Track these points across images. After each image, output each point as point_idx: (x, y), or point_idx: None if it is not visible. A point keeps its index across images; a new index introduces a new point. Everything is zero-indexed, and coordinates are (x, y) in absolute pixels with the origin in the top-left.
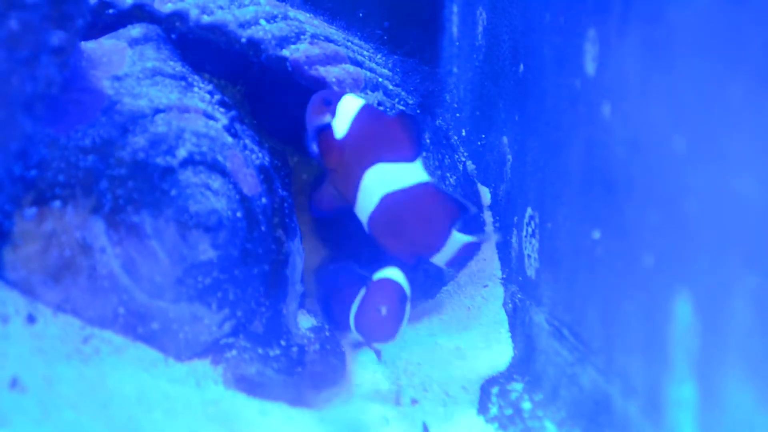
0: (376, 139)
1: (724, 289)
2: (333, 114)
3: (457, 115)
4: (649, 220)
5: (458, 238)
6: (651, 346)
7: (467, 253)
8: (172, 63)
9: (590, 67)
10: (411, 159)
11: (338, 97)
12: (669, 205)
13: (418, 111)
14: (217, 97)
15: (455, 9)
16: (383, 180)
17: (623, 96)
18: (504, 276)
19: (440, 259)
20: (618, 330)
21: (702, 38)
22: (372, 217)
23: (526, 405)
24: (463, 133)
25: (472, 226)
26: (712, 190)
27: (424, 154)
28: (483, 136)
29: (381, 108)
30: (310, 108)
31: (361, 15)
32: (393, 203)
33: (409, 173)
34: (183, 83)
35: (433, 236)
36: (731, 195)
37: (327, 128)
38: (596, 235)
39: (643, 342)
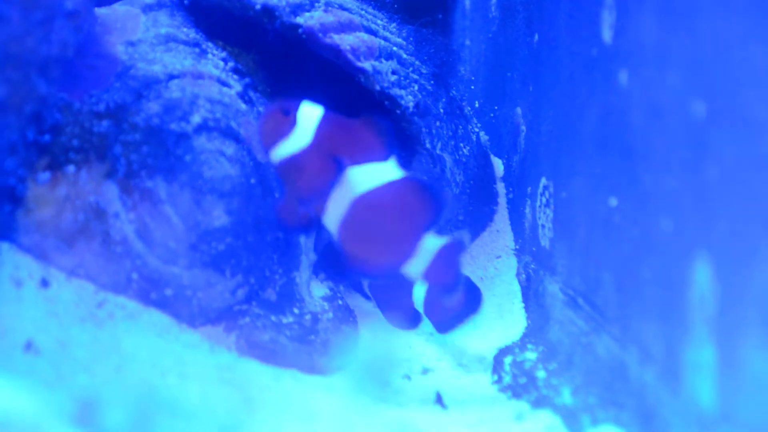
0: (344, 142)
1: (745, 252)
2: (293, 123)
3: (472, 87)
4: (668, 185)
5: (431, 243)
6: (668, 312)
7: (449, 260)
8: (185, 29)
9: (607, 34)
10: (383, 158)
11: (296, 106)
12: (689, 170)
13: (433, 81)
14: (230, 64)
15: None
16: (353, 183)
17: (641, 62)
18: (517, 247)
19: (415, 269)
20: (634, 297)
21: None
22: (342, 225)
23: (541, 374)
24: (477, 105)
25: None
26: (733, 154)
27: (394, 156)
28: (496, 107)
29: (395, 77)
30: (264, 122)
31: None
32: (364, 206)
33: (382, 172)
34: (197, 50)
35: (401, 242)
36: (753, 159)
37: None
38: (613, 202)
39: (660, 308)
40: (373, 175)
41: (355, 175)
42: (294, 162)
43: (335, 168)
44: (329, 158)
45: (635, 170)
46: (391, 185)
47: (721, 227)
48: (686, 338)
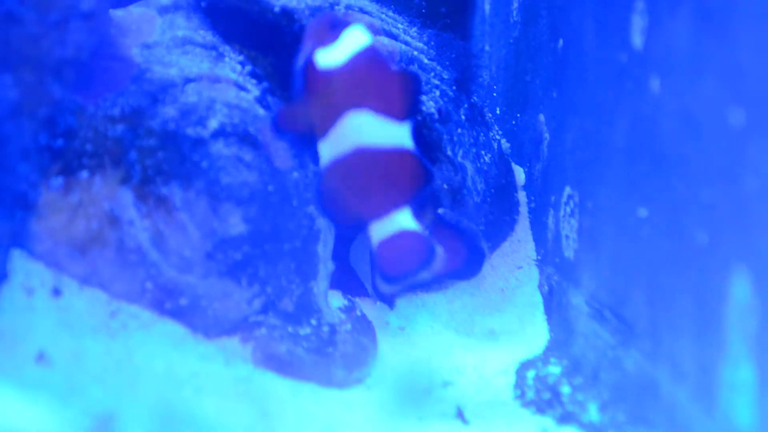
0: (371, 83)
1: None
2: (334, 39)
3: (494, 94)
4: (704, 196)
5: (398, 220)
6: (704, 328)
7: (407, 247)
8: (202, 32)
9: (638, 40)
10: (401, 119)
11: (347, 25)
12: (726, 181)
13: (454, 87)
14: (248, 68)
15: None
16: (364, 129)
17: (674, 69)
18: (539, 257)
19: (375, 234)
20: (666, 311)
21: (764, 3)
22: (334, 163)
23: (565, 389)
24: (498, 112)
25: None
26: None
27: (413, 119)
28: (518, 114)
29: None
30: (313, 26)
31: None
32: (362, 159)
33: (393, 133)
34: (214, 53)
35: (377, 203)
36: None
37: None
38: (643, 213)
39: (694, 323)
40: (386, 134)
41: (370, 124)
42: (315, 75)
43: (350, 103)
44: (350, 90)
45: (667, 180)
46: (396, 151)
47: (760, 240)
48: (722, 355)
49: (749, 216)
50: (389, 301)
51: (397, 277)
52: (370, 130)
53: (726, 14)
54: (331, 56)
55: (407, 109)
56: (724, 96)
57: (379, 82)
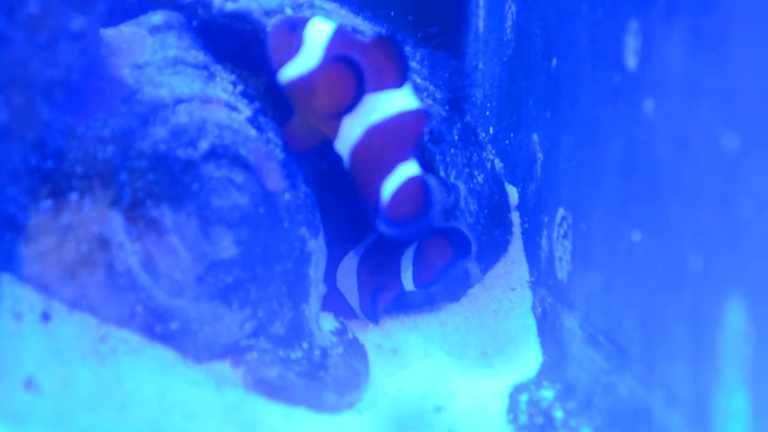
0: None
1: None
2: (300, 43)
3: (487, 113)
4: (698, 220)
5: (403, 170)
6: (698, 354)
7: (418, 200)
8: (194, 52)
9: (631, 61)
10: (398, 85)
11: (304, 22)
12: (720, 206)
13: (447, 107)
14: (240, 87)
15: (481, 2)
16: (368, 111)
17: (668, 91)
18: (532, 279)
19: (386, 191)
20: (660, 336)
21: (759, 28)
22: (354, 152)
23: (558, 413)
24: (491, 131)
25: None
26: None
27: (411, 79)
28: (511, 133)
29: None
30: (272, 39)
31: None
32: (378, 134)
33: (396, 100)
34: (205, 73)
35: (383, 164)
36: None
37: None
38: (636, 236)
39: (688, 349)
40: (390, 103)
41: (371, 102)
42: (303, 84)
43: (350, 91)
44: (343, 79)
45: (661, 203)
46: (405, 115)
47: (755, 266)
48: (717, 382)
49: (744, 242)
50: (374, 317)
51: (407, 219)
52: (375, 106)
53: (720, 37)
54: (304, 63)
55: (399, 72)
56: (718, 119)
57: (361, 62)
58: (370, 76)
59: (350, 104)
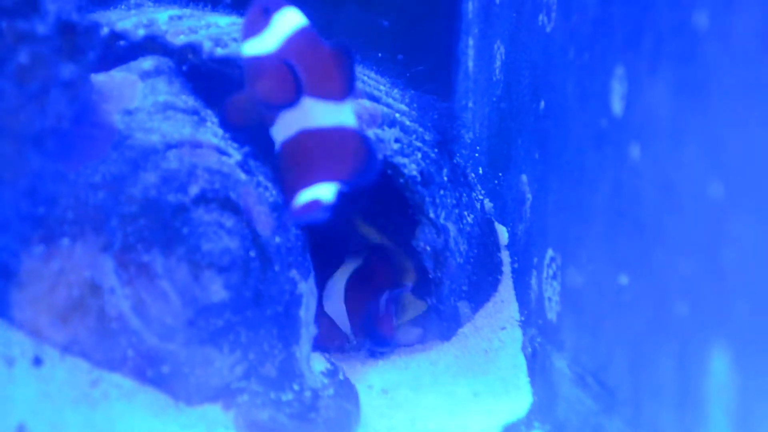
0: (306, 67)
1: (766, 344)
2: (266, 24)
3: (476, 154)
4: (683, 267)
5: (317, 191)
6: (684, 400)
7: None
8: (184, 97)
9: (617, 106)
10: (340, 98)
11: (278, 7)
12: (705, 253)
13: (436, 149)
14: None
15: (471, 42)
16: (305, 114)
17: (654, 137)
18: (522, 319)
19: (298, 200)
20: (648, 380)
21: (742, 78)
22: (283, 147)
23: None
24: (480, 171)
25: None
26: (753, 239)
27: (354, 96)
28: (500, 174)
29: (398, 145)
30: (248, 13)
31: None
32: (308, 140)
33: (335, 114)
34: (195, 118)
35: (305, 173)
36: None
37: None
38: (623, 280)
39: (676, 394)
40: (329, 114)
41: (313, 107)
42: (254, 64)
43: (288, 92)
44: (284, 77)
45: (647, 248)
46: (340, 131)
47: (740, 315)
48: (704, 428)
49: (728, 290)
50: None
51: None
52: (316, 113)
53: (705, 84)
54: (262, 45)
55: (345, 87)
56: (703, 167)
57: (312, 65)
58: (316, 82)
59: (286, 103)
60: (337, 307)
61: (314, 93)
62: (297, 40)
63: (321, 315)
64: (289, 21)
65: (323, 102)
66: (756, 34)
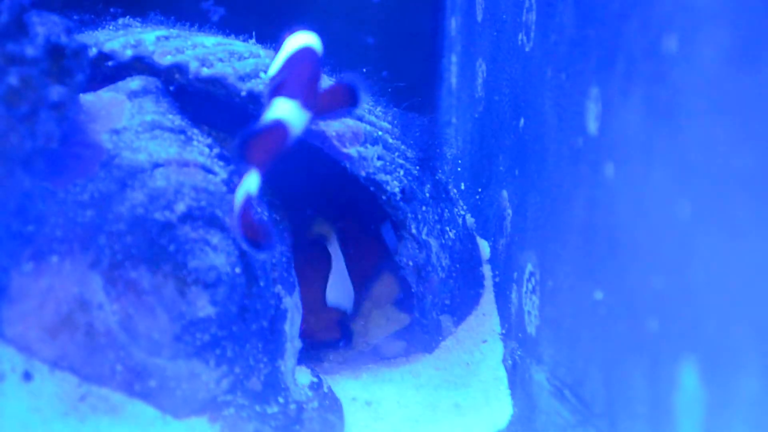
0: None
1: (731, 358)
2: (279, 47)
3: (458, 169)
4: (654, 283)
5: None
6: (656, 413)
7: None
8: (171, 116)
9: (592, 125)
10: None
11: (295, 32)
12: (674, 270)
13: (418, 166)
14: (216, 150)
15: (454, 59)
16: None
17: (626, 157)
18: (503, 332)
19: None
20: (622, 394)
21: (708, 101)
22: None
23: None
24: (462, 187)
25: None
26: (719, 258)
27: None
28: (481, 189)
29: (380, 162)
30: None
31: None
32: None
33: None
34: (182, 137)
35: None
36: (738, 264)
37: None
38: (598, 295)
39: (648, 407)
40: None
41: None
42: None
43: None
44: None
45: (621, 265)
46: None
47: (707, 331)
48: None
49: (697, 307)
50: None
51: None
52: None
53: (674, 106)
54: (271, 66)
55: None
56: (672, 186)
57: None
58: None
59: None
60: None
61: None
62: (291, 62)
63: (313, 308)
64: (292, 44)
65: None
66: (721, 59)
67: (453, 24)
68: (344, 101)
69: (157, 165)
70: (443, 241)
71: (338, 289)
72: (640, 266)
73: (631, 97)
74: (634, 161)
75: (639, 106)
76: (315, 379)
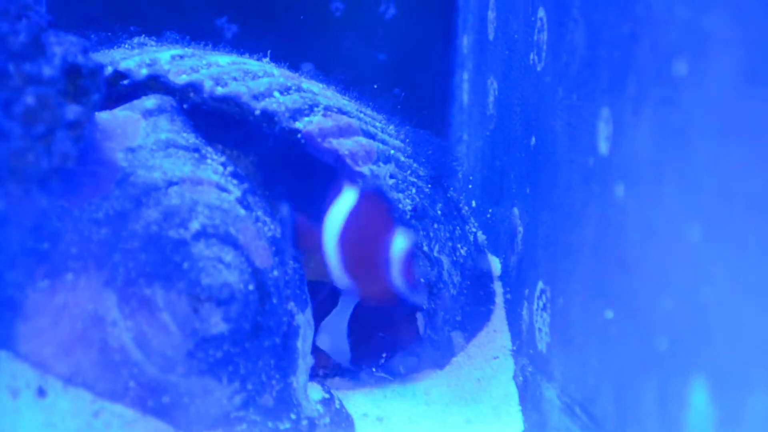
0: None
1: (741, 378)
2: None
3: (470, 186)
4: (664, 304)
5: None
6: (666, 431)
7: None
8: (185, 134)
9: (603, 146)
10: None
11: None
12: (685, 291)
13: (430, 184)
14: (230, 168)
15: (465, 76)
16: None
17: (637, 178)
18: (514, 348)
19: None
20: (632, 411)
21: (719, 123)
22: None
23: None
24: (473, 204)
25: None
26: (729, 279)
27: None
28: (493, 206)
29: (393, 180)
30: None
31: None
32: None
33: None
34: (196, 155)
35: None
36: (749, 286)
37: None
38: (609, 314)
39: (657, 426)
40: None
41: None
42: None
43: None
44: None
45: (631, 285)
46: None
47: (717, 351)
48: None
49: (706, 327)
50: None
51: None
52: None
53: (684, 128)
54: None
55: None
56: (682, 208)
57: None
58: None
59: None
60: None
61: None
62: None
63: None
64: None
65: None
66: (732, 82)
67: (465, 42)
68: None
69: (171, 183)
70: (455, 258)
71: (332, 337)
72: (650, 286)
73: (642, 118)
74: (645, 181)
75: (650, 127)
76: (326, 395)
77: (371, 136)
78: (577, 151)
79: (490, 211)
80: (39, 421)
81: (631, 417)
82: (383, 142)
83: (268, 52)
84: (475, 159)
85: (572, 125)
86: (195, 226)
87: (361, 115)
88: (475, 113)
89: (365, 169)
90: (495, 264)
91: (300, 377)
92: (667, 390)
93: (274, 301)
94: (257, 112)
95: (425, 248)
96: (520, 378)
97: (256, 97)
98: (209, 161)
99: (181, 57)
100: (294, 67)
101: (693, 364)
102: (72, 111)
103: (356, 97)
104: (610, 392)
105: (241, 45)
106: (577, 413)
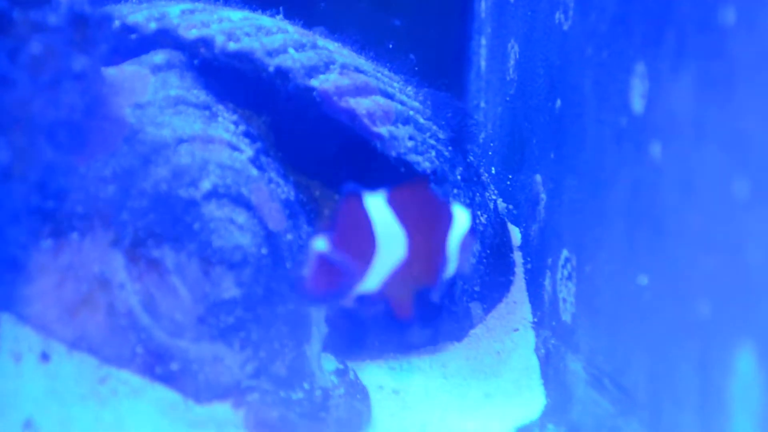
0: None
1: None
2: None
3: (489, 153)
4: (706, 266)
5: None
6: (707, 401)
7: None
8: (195, 91)
9: (638, 104)
10: None
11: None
12: (729, 252)
13: (450, 147)
14: (242, 127)
15: (483, 42)
16: None
17: (676, 135)
18: (535, 320)
19: None
20: (668, 382)
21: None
22: None
23: None
24: (493, 171)
25: None
26: None
27: None
28: (514, 174)
29: (412, 142)
30: None
31: (390, 46)
32: None
33: None
34: (207, 113)
35: None
36: None
37: None
38: (643, 280)
39: (697, 396)
40: None
41: None
42: None
43: None
44: None
45: (668, 248)
46: None
47: (766, 315)
48: (726, 430)
49: (753, 289)
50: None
51: None
52: None
53: (730, 81)
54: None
55: None
56: (727, 165)
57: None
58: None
59: None
60: None
61: None
62: None
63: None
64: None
65: None
66: None
67: (483, 6)
68: None
69: (181, 141)
70: (474, 226)
71: None
72: (690, 248)
73: (683, 73)
74: (684, 139)
75: (691, 82)
76: (341, 366)
77: (390, 96)
78: (608, 111)
79: (510, 177)
80: (42, 387)
81: (667, 388)
82: (402, 102)
83: (281, 9)
84: (493, 126)
85: (602, 84)
86: (206, 185)
87: (379, 75)
88: (493, 79)
89: (383, 130)
90: (514, 233)
91: (314, 346)
92: (708, 358)
93: (288, 265)
94: (271, 69)
95: None
96: (542, 350)
97: (269, 54)
98: (220, 119)
99: (192, 11)
100: (306, 29)
101: (739, 329)
102: (79, 62)
103: (372, 58)
104: (642, 363)
105: (254, 3)
106: (605, 385)
